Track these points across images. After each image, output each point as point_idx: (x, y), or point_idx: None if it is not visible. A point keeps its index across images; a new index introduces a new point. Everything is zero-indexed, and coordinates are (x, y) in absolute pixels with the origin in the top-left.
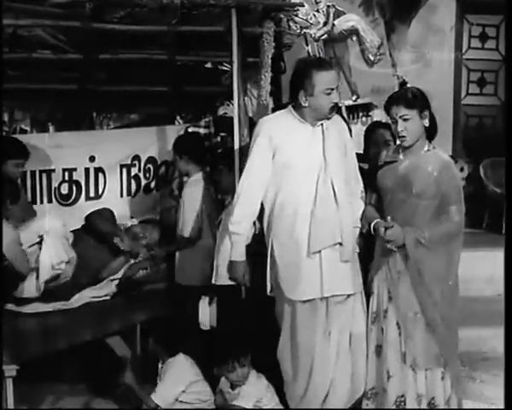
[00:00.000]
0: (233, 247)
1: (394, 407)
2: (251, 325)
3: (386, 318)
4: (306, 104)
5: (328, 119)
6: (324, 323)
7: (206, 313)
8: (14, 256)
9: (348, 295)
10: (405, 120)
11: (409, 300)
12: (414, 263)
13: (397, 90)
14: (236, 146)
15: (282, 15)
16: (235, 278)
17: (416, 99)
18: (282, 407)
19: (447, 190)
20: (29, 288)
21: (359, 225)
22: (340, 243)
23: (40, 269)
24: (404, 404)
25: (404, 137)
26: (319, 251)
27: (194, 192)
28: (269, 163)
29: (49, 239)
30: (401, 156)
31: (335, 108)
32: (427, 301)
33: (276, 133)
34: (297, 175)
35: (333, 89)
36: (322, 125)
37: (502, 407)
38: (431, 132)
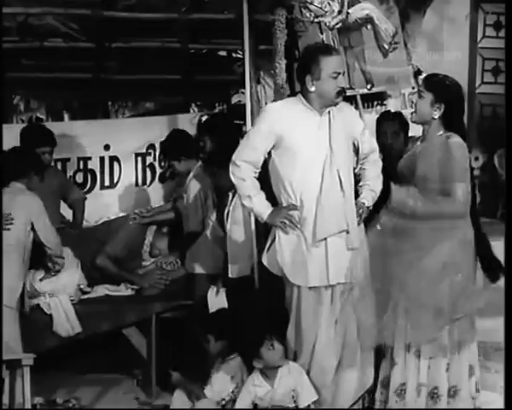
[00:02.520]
0: (252, 205)
1: (395, 396)
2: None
3: (398, 305)
4: (313, 89)
5: (335, 104)
6: (329, 311)
7: (215, 303)
8: (44, 230)
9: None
10: (420, 96)
11: (415, 287)
12: (412, 235)
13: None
14: None
15: (293, 2)
16: (284, 225)
17: (436, 86)
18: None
19: (451, 170)
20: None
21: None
22: (347, 232)
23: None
24: (405, 392)
25: (412, 111)
26: (325, 239)
27: (196, 188)
28: (263, 148)
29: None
30: (418, 143)
31: (342, 94)
32: (430, 289)
33: (280, 121)
34: (303, 163)
35: (339, 73)
36: (329, 113)
37: None
38: (452, 128)
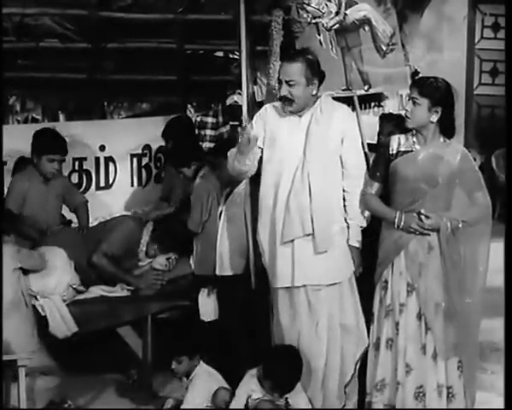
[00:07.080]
0: None
1: (413, 400)
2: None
3: (405, 311)
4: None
5: (286, 112)
6: (307, 312)
7: (207, 304)
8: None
9: (330, 285)
10: (414, 103)
11: (431, 291)
12: (447, 250)
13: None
14: None
15: (290, 3)
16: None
17: (431, 90)
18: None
19: (469, 178)
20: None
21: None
22: (313, 235)
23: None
24: (423, 395)
25: (407, 117)
26: (292, 241)
27: (200, 188)
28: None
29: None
30: (417, 146)
31: (283, 101)
32: (455, 290)
33: (269, 121)
34: (278, 163)
35: (286, 81)
36: (312, 115)
37: None
38: (447, 132)
